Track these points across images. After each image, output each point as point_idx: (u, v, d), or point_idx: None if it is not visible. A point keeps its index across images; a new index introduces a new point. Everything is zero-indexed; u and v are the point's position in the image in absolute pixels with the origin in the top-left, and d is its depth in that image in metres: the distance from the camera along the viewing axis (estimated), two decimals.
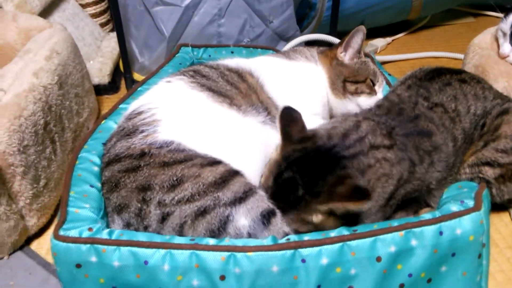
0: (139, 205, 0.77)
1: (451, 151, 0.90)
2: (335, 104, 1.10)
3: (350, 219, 0.77)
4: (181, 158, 0.79)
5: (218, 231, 0.74)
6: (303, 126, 0.81)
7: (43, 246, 1.01)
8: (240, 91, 0.96)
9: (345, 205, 0.72)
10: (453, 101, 0.94)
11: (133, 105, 0.93)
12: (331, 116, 1.13)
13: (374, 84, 1.10)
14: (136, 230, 0.77)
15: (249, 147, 0.87)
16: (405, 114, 0.90)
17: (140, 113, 0.88)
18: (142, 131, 0.83)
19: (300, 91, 1.06)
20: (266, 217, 0.75)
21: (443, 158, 0.88)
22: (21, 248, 0.99)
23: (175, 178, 0.77)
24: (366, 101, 1.07)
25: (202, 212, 0.74)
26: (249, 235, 0.75)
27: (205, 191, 0.75)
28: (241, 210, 0.75)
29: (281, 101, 1.00)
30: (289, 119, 0.81)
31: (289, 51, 1.16)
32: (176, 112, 0.88)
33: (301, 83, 1.07)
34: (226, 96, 0.93)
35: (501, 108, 0.97)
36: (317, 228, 0.76)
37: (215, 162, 0.79)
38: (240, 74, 1.01)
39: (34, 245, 1.01)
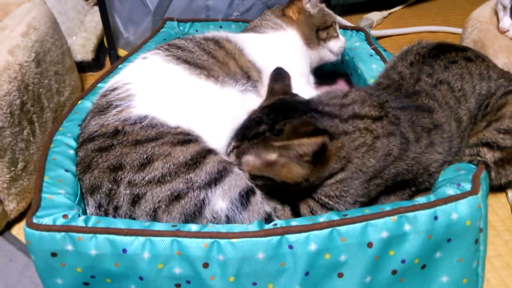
0: (110, 185, 0.74)
1: (455, 131, 0.86)
2: (310, 55, 1.13)
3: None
4: (153, 135, 0.76)
5: (194, 215, 0.71)
6: (288, 85, 0.86)
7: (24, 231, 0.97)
8: (217, 61, 0.94)
9: (300, 141, 0.70)
10: (459, 80, 0.90)
11: (109, 83, 0.90)
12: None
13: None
14: (106, 211, 0.75)
15: (225, 120, 0.84)
16: (403, 90, 0.87)
17: (114, 89, 0.85)
18: (116, 106, 0.81)
19: (281, 60, 1.02)
20: (245, 197, 0.72)
21: (445, 139, 0.84)
22: (1, 233, 0.96)
23: (145, 156, 0.74)
24: (336, 44, 1.14)
25: (176, 197, 0.71)
26: (227, 218, 0.72)
27: (176, 172, 0.72)
28: (217, 192, 0.72)
29: (263, 63, 1.00)
30: (277, 77, 0.87)
31: (252, 25, 1.15)
32: (151, 86, 0.85)
33: (278, 54, 1.06)
34: (203, 67, 0.90)
35: (506, 89, 0.93)
36: (274, 176, 0.74)
37: (185, 141, 0.76)
38: (216, 41, 0.99)
39: (15, 230, 0.98)
